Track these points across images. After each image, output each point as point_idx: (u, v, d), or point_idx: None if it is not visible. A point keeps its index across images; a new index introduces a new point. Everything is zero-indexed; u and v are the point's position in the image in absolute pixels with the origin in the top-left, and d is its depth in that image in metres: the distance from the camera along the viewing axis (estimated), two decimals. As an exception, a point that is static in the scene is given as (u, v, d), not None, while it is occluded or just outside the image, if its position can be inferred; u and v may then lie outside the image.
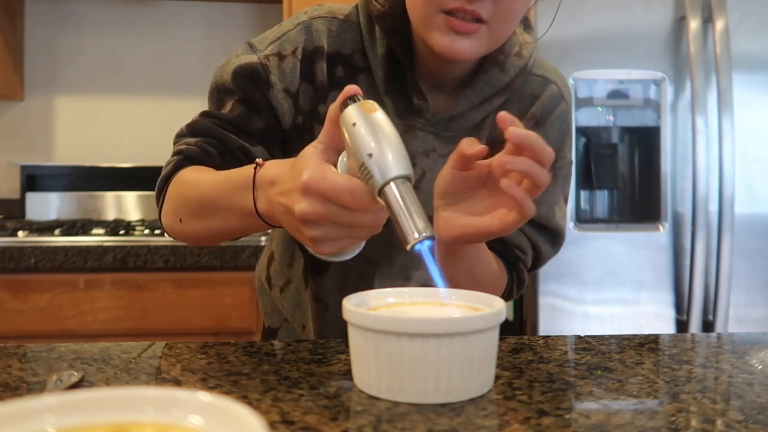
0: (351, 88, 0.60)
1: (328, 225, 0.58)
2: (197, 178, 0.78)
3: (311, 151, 0.60)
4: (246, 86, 0.84)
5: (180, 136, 0.86)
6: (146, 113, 2.42)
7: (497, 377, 0.59)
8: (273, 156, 0.84)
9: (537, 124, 0.91)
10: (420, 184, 0.87)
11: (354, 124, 0.57)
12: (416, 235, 0.54)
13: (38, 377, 0.60)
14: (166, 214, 0.84)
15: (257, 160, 0.68)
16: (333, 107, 0.60)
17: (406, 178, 0.56)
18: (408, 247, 0.54)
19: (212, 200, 0.75)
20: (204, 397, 0.33)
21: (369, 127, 0.56)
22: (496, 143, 0.91)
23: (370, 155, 0.55)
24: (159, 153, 0.75)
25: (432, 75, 0.86)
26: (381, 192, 0.55)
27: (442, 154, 0.87)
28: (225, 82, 0.85)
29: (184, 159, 0.82)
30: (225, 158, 0.83)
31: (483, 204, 0.69)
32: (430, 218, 0.86)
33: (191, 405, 0.33)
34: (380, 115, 0.57)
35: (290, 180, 0.60)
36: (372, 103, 0.58)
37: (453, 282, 0.71)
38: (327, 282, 0.91)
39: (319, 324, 0.93)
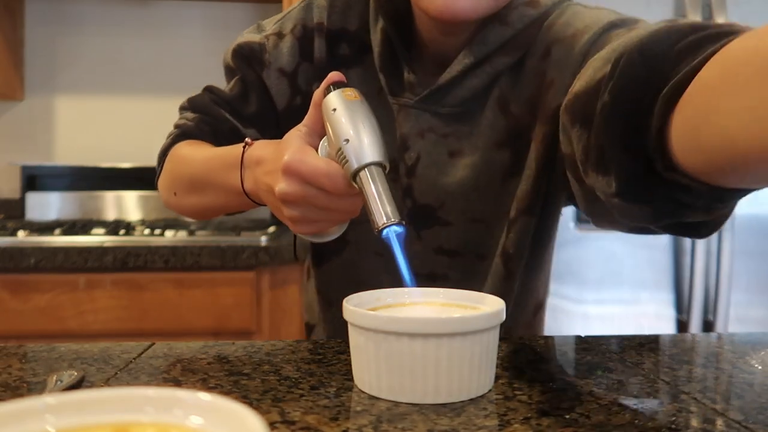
0: (334, 75, 0.61)
1: (306, 206, 0.60)
2: (191, 154, 0.80)
3: (295, 134, 0.62)
4: (242, 66, 0.85)
5: (182, 108, 0.88)
6: (146, 113, 2.42)
7: (497, 377, 0.59)
8: (265, 138, 0.83)
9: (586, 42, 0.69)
10: (415, 168, 0.79)
11: (334, 110, 0.59)
12: (384, 220, 0.55)
13: (38, 377, 0.60)
14: (162, 187, 0.86)
15: (246, 139, 0.69)
16: (317, 92, 0.62)
17: (380, 165, 0.57)
18: (376, 232, 0.56)
19: (203, 177, 0.76)
20: (204, 397, 0.33)
21: (348, 114, 0.58)
22: (516, 133, 0.75)
23: (347, 141, 0.57)
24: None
25: (436, 54, 0.78)
26: (355, 177, 0.57)
27: (441, 134, 0.78)
28: (228, 61, 0.87)
29: (181, 134, 0.84)
30: (218, 138, 0.84)
31: None
32: (428, 208, 0.85)
33: (191, 405, 0.33)
34: (360, 103, 0.59)
35: (273, 160, 0.62)
36: (353, 90, 0.60)
37: None
38: (332, 275, 0.89)
39: (326, 320, 0.92)
